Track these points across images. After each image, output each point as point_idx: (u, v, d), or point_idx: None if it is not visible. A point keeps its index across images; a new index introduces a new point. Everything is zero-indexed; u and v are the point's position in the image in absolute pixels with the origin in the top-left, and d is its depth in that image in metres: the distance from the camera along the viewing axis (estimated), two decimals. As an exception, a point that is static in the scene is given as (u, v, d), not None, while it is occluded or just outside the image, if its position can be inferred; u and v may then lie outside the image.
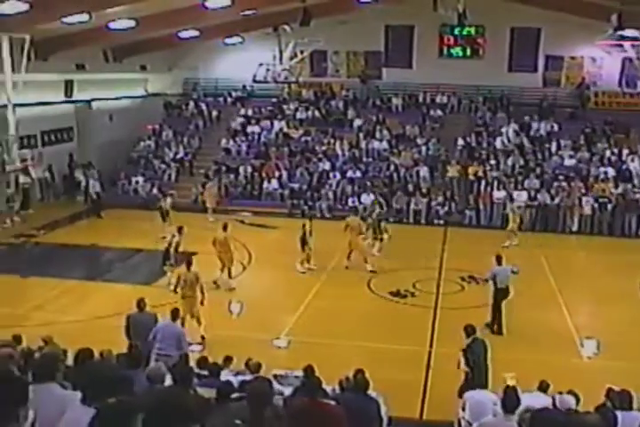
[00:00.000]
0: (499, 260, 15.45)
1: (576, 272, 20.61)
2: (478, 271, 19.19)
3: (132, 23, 23.97)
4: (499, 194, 25.86)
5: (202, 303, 14.37)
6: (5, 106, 19.79)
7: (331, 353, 13.57)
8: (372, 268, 19.65)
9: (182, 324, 13.39)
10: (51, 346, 10.10)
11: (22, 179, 23.95)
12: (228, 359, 10.70)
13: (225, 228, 18.51)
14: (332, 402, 7.38)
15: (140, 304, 12.04)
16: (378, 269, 19.57)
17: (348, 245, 19.86)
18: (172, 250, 17.76)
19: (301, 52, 27.23)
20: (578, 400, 8.41)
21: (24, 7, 18.06)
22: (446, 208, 26.32)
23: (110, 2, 20.89)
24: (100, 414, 3.69)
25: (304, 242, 19.39)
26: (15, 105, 19.79)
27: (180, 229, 18.13)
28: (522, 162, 28.22)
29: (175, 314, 11.90)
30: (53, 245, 22.20)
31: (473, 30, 32.61)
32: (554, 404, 8.21)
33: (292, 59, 26.73)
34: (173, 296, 16.16)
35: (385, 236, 21.23)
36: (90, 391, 4.78)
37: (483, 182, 27.04)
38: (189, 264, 14.76)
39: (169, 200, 22.82)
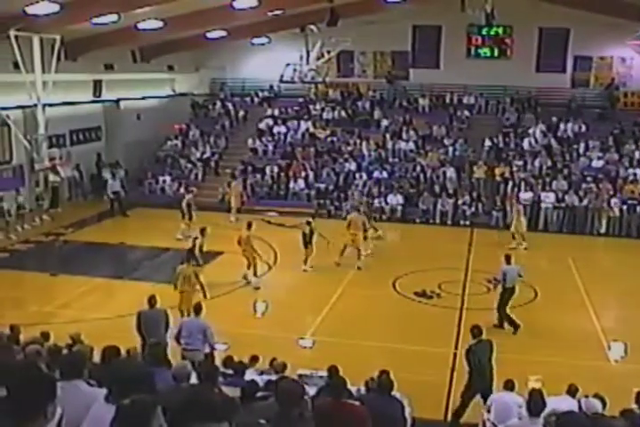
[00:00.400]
0: (508, 259, 15.66)
1: (604, 275, 20.40)
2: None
3: (159, 24, 24.14)
4: (526, 195, 25.70)
5: (205, 297, 14.75)
6: (35, 105, 20.00)
7: (355, 354, 13.57)
8: (361, 265, 19.82)
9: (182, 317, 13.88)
10: (78, 344, 10.20)
11: (51, 177, 24.22)
12: (254, 359, 10.74)
13: (249, 226, 18.69)
14: (357, 403, 7.38)
15: (151, 301, 12.20)
16: (404, 269, 19.52)
17: (349, 241, 20.00)
18: (196, 251, 17.76)
19: (328, 53, 27.21)
20: (604, 404, 8.35)
21: (55, 8, 18.27)
22: (473, 209, 26.20)
23: (139, 2, 21.05)
24: (118, 412, 3.72)
25: (307, 241, 19.51)
26: (45, 104, 20.01)
27: (202, 231, 18.20)
28: (549, 163, 28.02)
29: (199, 309, 11.99)
30: (81, 244, 22.42)
31: (501, 30, 32.41)
32: (580, 407, 8.15)
33: (318, 59, 26.71)
34: (200, 294, 16.32)
35: (368, 234, 21.20)
36: (114, 389, 4.82)
37: (510, 183, 26.88)
38: (189, 260, 15.53)
39: (188, 197, 22.85)
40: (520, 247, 21.93)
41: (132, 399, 3.78)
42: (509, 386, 9.61)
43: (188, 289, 14.75)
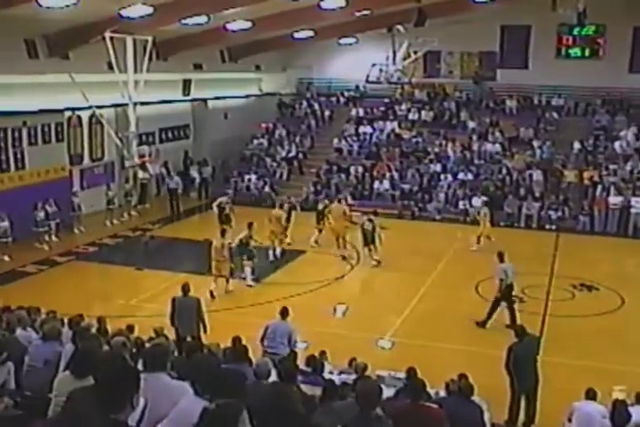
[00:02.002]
0: (501, 257, 15.65)
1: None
2: (590, 279, 18.69)
3: (248, 24, 24.48)
4: (615, 200, 25.01)
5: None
6: (127, 104, 20.56)
7: (434, 356, 13.52)
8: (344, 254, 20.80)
9: (215, 280, 17.10)
10: (161, 337, 10.47)
11: (140, 174, 24.83)
12: (322, 353, 10.78)
13: (281, 206, 21.19)
14: (435, 405, 7.35)
15: (185, 288, 13.06)
16: (487, 273, 19.19)
17: (330, 231, 21.25)
18: (251, 244, 18.51)
19: (415, 53, 27.07)
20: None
21: (148, 10, 18.77)
22: (559, 213, 25.64)
23: (228, 4, 21.40)
24: (204, 414, 3.80)
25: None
26: (136, 103, 20.53)
27: (249, 225, 18.73)
28: (641, 167, 27.19)
29: (285, 313, 11.91)
30: (167, 239, 22.93)
31: (593, 30, 31.61)
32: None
33: (405, 59, 26.61)
34: (281, 293, 16.59)
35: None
36: (204, 384, 4.93)
37: (599, 187, 26.18)
38: (223, 234, 17.81)
39: (220, 199, 22.90)
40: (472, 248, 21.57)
41: (220, 403, 3.85)
42: (591, 395, 9.34)
43: (219, 259, 17.14)
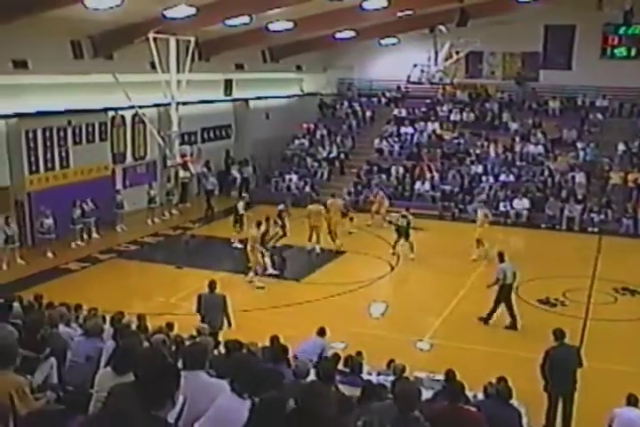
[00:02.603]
0: (501, 257, 15.76)
1: None
2: (634, 283, 18.40)
3: (290, 24, 24.55)
4: (660, 202, 24.62)
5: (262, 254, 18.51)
6: (169, 104, 20.76)
7: (473, 358, 13.42)
8: (340, 248, 21.43)
9: (256, 273, 18.13)
10: (203, 336, 10.54)
11: (182, 173, 25.04)
12: (358, 354, 10.76)
13: (318, 202, 22.25)
14: (473, 408, 7.31)
15: (212, 285, 13.26)
16: (527, 275, 19.02)
17: (327, 226, 21.62)
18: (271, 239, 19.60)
19: (457, 53, 26.90)
20: None
21: (191, 11, 18.94)
22: (602, 216, 25.28)
23: (271, 4, 21.48)
24: (257, 408, 3.83)
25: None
26: (178, 103, 20.73)
27: (267, 220, 19.57)
28: (688, 169, 26.70)
29: (322, 332, 11.57)
30: (207, 238, 23.10)
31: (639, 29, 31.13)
32: None
33: (447, 60, 26.45)
34: (320, 293, 16.61)
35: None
36: (242, 383, 4.97)
37: (643, 190, 25.77)
38: (259, 226, 18.51)
39: (241, 204, 22.70)
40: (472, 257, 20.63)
41: (264, 398, 3.88)
42: (632, 401, 9.18)
43: (251, 248, 18.15)
